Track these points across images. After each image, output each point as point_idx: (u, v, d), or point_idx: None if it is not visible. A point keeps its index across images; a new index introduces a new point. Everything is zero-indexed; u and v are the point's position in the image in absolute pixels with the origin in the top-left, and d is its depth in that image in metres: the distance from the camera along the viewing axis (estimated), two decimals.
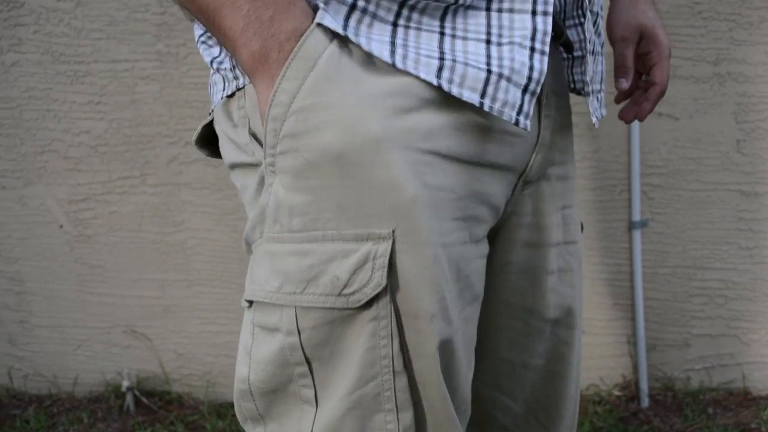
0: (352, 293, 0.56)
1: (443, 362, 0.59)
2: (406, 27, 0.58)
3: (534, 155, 0.72)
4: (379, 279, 0.55)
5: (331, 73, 0.56)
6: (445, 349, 0.60)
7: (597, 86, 0.78)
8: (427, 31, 0.59)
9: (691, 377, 2.09)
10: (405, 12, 0.58)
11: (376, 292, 0.55)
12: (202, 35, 0.70)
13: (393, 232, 0.56)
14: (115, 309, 2.21)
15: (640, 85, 0.88)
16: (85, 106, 2.08)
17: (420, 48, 0.58)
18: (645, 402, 2.04)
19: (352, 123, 0.56)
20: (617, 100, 0.93)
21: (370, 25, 0.58)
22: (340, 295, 0.56)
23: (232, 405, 2.17)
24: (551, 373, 0.82)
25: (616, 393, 2.09)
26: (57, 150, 2.12)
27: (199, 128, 0.74)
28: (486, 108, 0.60)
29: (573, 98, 0.86)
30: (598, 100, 0.78)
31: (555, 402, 0.84)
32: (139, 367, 2.24)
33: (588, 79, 0.75)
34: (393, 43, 0.58)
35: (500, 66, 0.59)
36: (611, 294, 2.05)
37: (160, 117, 2.06)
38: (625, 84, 0.83)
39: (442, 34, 0.59)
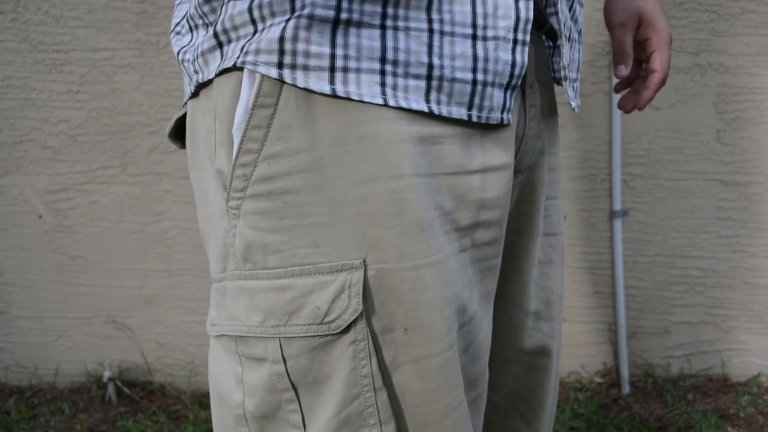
0: (333, 320, 0.58)
1: (425, 370, 0.61)
2: (395, 29, 0.58)
3: (521, 146, 0.72)
4: (356, 305, 0.58)
5: (298, 118, 0.57)
6: (427, 358, 0.61)
7: (573, 74, 0.77)
8: (416, 30, 0.58)
9: (671, 364, 2.11)
10: (390, 11, 0.58)
11: (354, 317, 0.58)
12: (176, 25, 0.69)
13: (364, 260, 0.59)
14: (95, 299, 2.19)
15: (640, 73, 0.87)
16: (64, 95, 2.06)
17: (409, 64, 0.58)
18: (626, 389, 2.06)
19: (326, 165, 0.58)
20: (617, 90, 0.91)
21: (358, 46, 0.57)
22: (321, 323, 0.58)
23: None
24: (534, 366, 0.83)
25: (597, 380, 2.11)
26: (35, 139, 2.09)
27: (173, 121, 0.73)
28: (474, 119, 0.62)
29: (555, 88, 0.86)
30: (573, 89, 0.77)
31: (537, 394, 0.85)
32: (120, 357, 2.23)
33: (565, 65, 0.74)
34: (383, 77, 0.58)
35: (485, 71, 0.61)
36: (592, 282, 2.06)
37: (140, 106, 2.04)
38: (624, 71, 0.81)
39: (431, 31, 0.59)
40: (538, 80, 0.75)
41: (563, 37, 0.73)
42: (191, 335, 2.19)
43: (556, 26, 0.75)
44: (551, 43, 0.80)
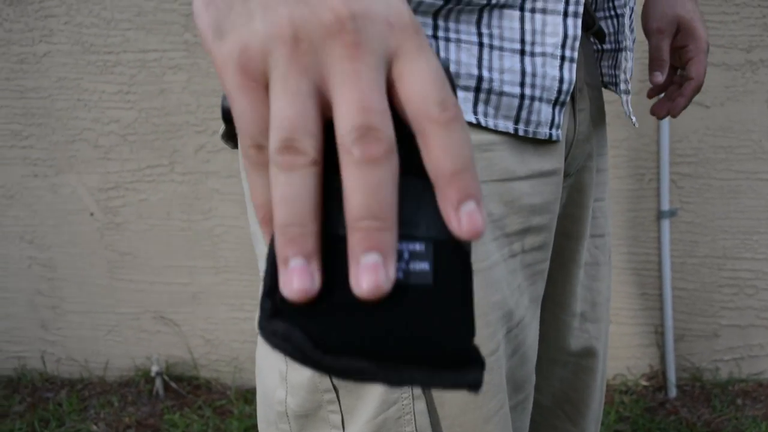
0: None
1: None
2: (447, 40, 0.58)
3: (571, 150, 0.72)
4: None
5: None
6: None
7: (628, 85, 0.77)
8: (467, 43, 0.59)
9: (720, 368, 2.07)
10: (441, 23, 0.58)
11: None
12: None
13: None
14: (144, 295, 2.24)
15: (674, 80, 0.86)
16: (115, 96, 2.11)
17: (459, 76, 0.59)
18: (672, 392, 2.02)
19: None
20: (650, 95, 0.90)
21: None
22: None
23: None
24: (579, 367, 0.82)
25: (643, 383, 2.08)
26: (87, 139, 2.15)
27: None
28: (521, 133, 0.62)
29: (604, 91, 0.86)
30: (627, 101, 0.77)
31: (583, 395, 0.84)
32: (167, 352, 2.27)
33: (622, 75, 0.73)
34: None
35: (533, 86, 0.61)
36: (639, 284, 2.03)
37: (187, 106, 2.08)
38: (660, 78, 0.80)
39: (480, 44, 0.59)
40: (587, 84, 0.75)
41: (623, 47, 0.72)
42: (237, 332, 2.22)
43: (606, 30, 0.74)
44: (600, 46, 0.79)
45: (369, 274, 0.27)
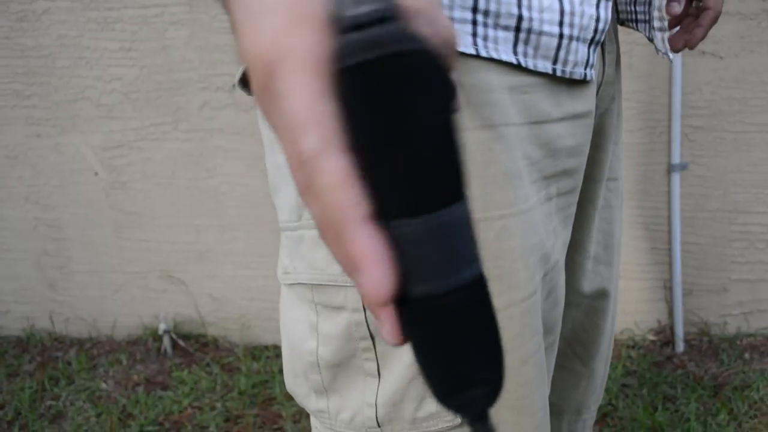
0: None
1: (507, 319, 0.61)
2: None
3: (599, 92, 0.71)
4: None
5: None
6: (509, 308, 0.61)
7: (663, 22, 0.74)
8: None
9: (728, 322, 2.06)
10: None
11: None
12: None
13: None
14: (151, 254, 2.24)
15: (690, 11, 0.84)
16: (117, 53, 2.08)
17: (500, 15, 0.57)
18: (680, 347, 2.02)
19: None
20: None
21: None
22: None
23: (266, 347, 2.21)
24: (592, 308, 0.82)
25: (651, 337, 2.08)
26: (90, 97, 2.13)
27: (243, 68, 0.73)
28: (558, 73, 0.62)
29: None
30: (663, 39, 0.74)
31: (593, 336, 0.84)
32: (175, 310, 2.28)
33: (656, 12, 0.71)
34: (475, 27, 0.57)
35: (571, 25, 0.61)
36: (648, 238, 2.02)
37: (190, 62, 2.05)
38: (678, 8, 0.78)
39: None
40: (611, 26, 0.73)
41: None
42: (244, 289, 2.22)
43: None
44: None
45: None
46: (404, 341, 0.29)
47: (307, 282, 0.63)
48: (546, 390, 0.66)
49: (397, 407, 0.61)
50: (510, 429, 0.63)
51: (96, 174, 2.19)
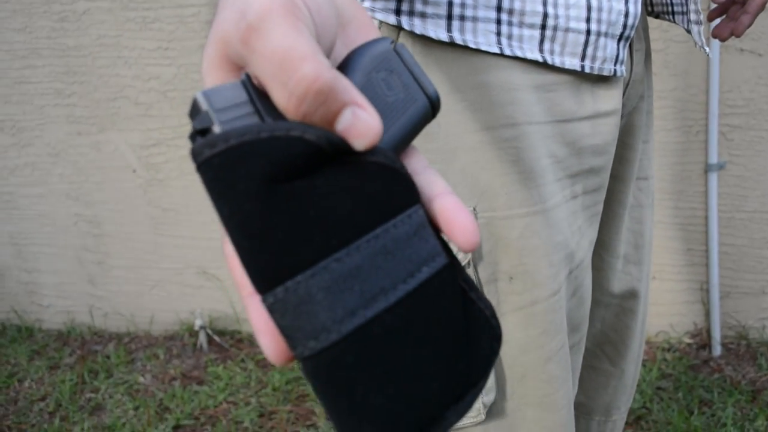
0: None
1: (531, 316, 0.61)
2: None
3: (627, 90, 0.71)
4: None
5: None
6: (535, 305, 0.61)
7: (699, 15, 0.73)
8: None
9: (767, 326, 2.02)
10: None
11: (463, 263, 0.58)
12: None
13: (474, 209, 0.58)
14: (187, 251, 2.28)
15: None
16: (154, 52, 2.11)
17: (524, 13, 0.57)
18: (717, 350, 1.99)
19: (441, 113, 0.57)
20: (710, 17, 0.85)
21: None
22: None
23: None
24: (621, 308, 0.82)
25: (687, 340, 2.05)
26: (128, 96, 2.17)
27: None
28: (587, 70, 0.61)
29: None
30: (699, 32, 0.73)
31: (623, 336, 0.84)
32: (211, 306, 2.31)
33: (692, 5, 0.70)
34: (499, 26, 0.57)
35: (599, 21, 0.60)
36: (685, 239, 1.99)
37: None
38: None
39: None
40: (640, 23, 0.72)
41: None
42: None
43: None
44: None
45: None
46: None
47: None
48: (571, 388, 0.66)
49: None
50: (534, 426, 0.63)
51: (134, 171, 2.24)
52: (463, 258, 0.58)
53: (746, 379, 1.87)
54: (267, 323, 0.28)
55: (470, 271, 0.59)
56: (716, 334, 1.99)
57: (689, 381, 1.87)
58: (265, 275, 0.28)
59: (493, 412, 0.62)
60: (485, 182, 0.58)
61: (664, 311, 2.04)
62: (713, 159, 1.87)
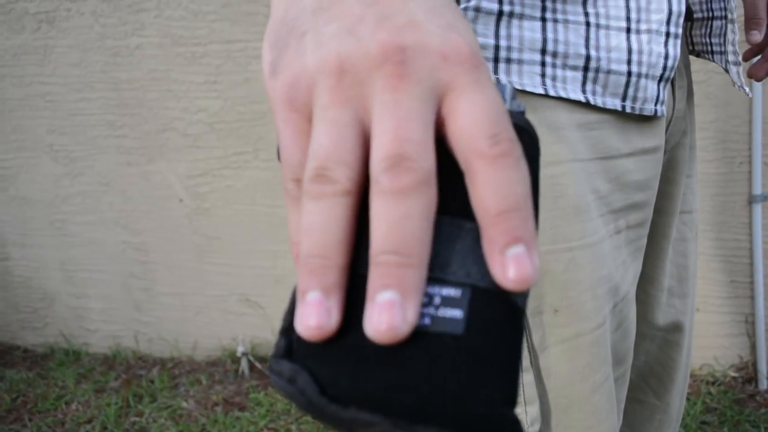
0: None
1: (575, 349, 0.62)
2: (555, 21, 0.60)
3: (669, 127, 0.72)
4: None
5: None
6: (578, 339, 0.62)
7: (737, 56, 0.75)
8: (574, 23, 0.60)
9: None
10: (549, 4, 0.59)
11: None
12: None
13: None
14: (230, 278, 2.32)
15: None
16: (202, 86, 2.19)
17: (568, 56, 0.60)
18: (764, 384, 1.95)
19: None
20: (746, 57, 0.87)
21: (521, 38, 0.59)
22: None
23: None
24: (666, 341, 0.82)
25: (732, 374, 2.01)
26: (177, 128, 2.24)
27: None
28: (628, 110, 0.63)
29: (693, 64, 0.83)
30: (738, 73, 0.75)
31: (668, 368, 0.84)
32: (252, 333, 2.35)
33: (730, 47, 0.72)
34: (543, 68, 0.60)
35: (639, 63, 0.62)
36: (729, 271, 1.96)
37: None
38: (758, 36, 0.78)
39: (587, 24, 0.60)
40: (682, 61, 0.74)
41: (731, 20, 0.71)
42: None
43: (692, 1, 0.73)
44: (689, 19, 0.78)
45: (383, 314, 0.24)
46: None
47: None
48: (615, 421, 0.67)
49: None
50: None
51: (181, 200, 2.30)
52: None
53: None
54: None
55: None
56: (762, 368, 1.95)
57: (735, 415, 1.84)
58: None
59: None
60: (541, 219, 0.60)
61: (708, 344, 2.01)
62: (757, 190, 1.86)
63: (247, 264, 2.29)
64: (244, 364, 2.27)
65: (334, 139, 0.27)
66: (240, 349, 2.25)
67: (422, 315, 0.25)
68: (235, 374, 2.29)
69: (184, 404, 2.15)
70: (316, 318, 0.25)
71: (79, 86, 2.30)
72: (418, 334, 0.25)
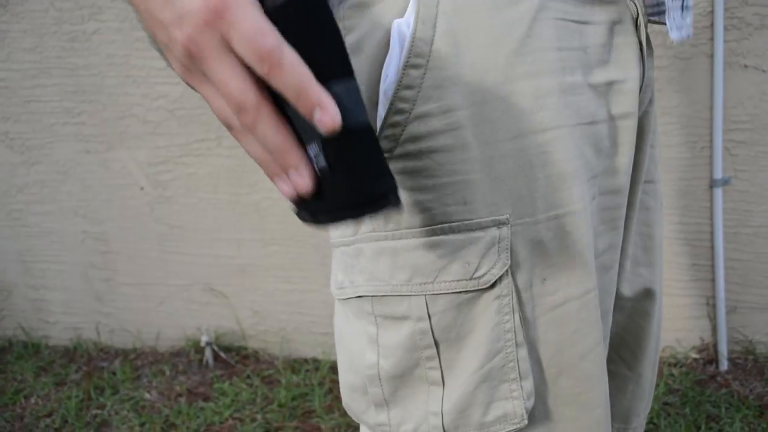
0: (482, 275, 0.59)
1: (563, 315, 0.62)
2: None
3: (641, 94, 0.72)
4: (505, 259, 0.59)
5: (448, 77, 0.57)
6: (565, 309, 0.62)
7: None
8: None
9: None
10: None
11: (502, 272, 0.59)
12: None
13: (509, 216, 0.59)
14: (194, 267, 2.29)
15: None
16: (162, 72, 2.14)
17: None
18: (724, 365, 1.99)
19: (476, 122, 0.57)
20: None
21: None
22: (471, 278, 0.59)
23: (305, 360, 2.23)
24: (635, 310, 0.82)
25: (694, 355, 2.05)
26: (137, 114, 2.19)
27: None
28: None
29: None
30: (673, 18, 0.73)
31: (638, 338, 0.84)
32: (217, 323, 2.32)
33: None
34: None
35: None
36: (690, 254, 1.99)
37: None
38: None
39: None
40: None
41: None
42: (284, 303, 2.25)
43: None
44: None
45: (293, 187, 0.44)
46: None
47: (368, 294, 0.63)
48: (606, 388, 0.67)
49: (464, 413, 0.61)
50: (569, 425, 0.64)
51: (142, 189, 2.26)
52: (502, 266, 0.59)
53: (754, 394, 1.87)
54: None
55: (507, 281, 0.60)
56: (723, 349, 1.98)
57: (696, 396, 1.87)
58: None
59: (533, 415, 0.63)
60: (520, 189, 0.59)
61: (670, 326, 2.04)
62: (718, 174, 1.88)
63: (210, 253, 2.26)
64: (208, 354, 2.24)
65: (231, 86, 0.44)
66: (204, 339, 2.22)
67: (314, 168, 0.44)
68: (200, 364, 2.26)
69: (147, 395, 2.11)
70: (303, 183, 0.44)
71: (34, 72, 2.23)
72: (319, 178, 0.44)
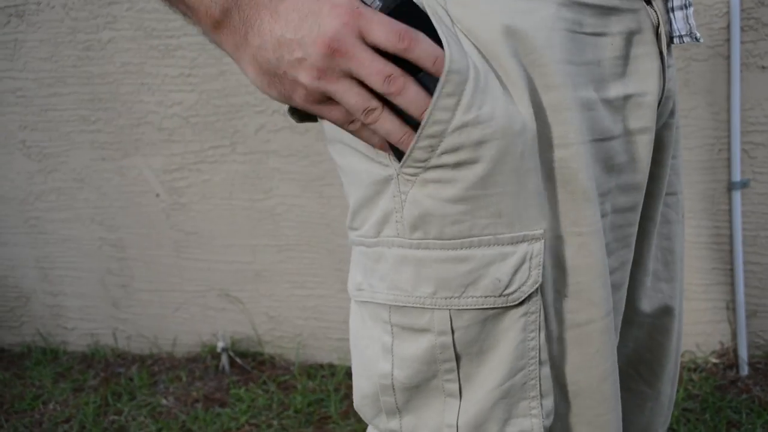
0: (513, 292, 0.58)
1: (586, 335, 0.62)
2: None
3: (660, 107, 0.70)
4: (536, 276, 0.58)
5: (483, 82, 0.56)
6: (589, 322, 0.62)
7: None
8: None
9: None
10: None
11: (533, 289, 0.58)
12: None
13: (544, 232, 0.58)
14: (209, 273, 2.30)
15: None
16: (177, 79, 2.15)
17: None
18: (744, 370, 1.96)
19: (514, 132, 0.56)
20: None
21: None
22: (500, 295, 0.58)
23: (321, 366, 2.23)
24: (654, 326, 0.81)
25: (713, 360, 2.02)
26: (152, 122, 2.20)
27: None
28: None
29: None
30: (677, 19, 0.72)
31: (657, 355, 0.82)
32: (233, 329, 2.33)
33: None
34: None
35: None
36: (709, 258, 1.97)
37: (247, 87, 2.10)
38: None
39: None
40: (670, 38, 0.72)
41: None
42: (299, 309, 2.26)
43: None
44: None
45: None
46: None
47: (386, 303, 0.61)
48: (620, 412, 0.66)
49: (480, 428, 0.60)
50: None
51: (157, 196, 2.27)
52: (533, 284, 0.58)
53: None
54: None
55: (536, 298, 0.59)
56: (743, 354, 1.96)
57: (716, 402, 1.84)
58: None
59: None
60: (548, 204, 0.59)
61: (689, 331, 2.01)
62: (736, 177, 1.86)
63: (226, 259, 2.27)
64: (224, 360, 2.25)
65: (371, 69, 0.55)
66: (220, 345, 2.23)
67: None
68: (216, 370, 2.27)
69: (164, 401, 2.12)
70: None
71: (50, 81, 2.25)
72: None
